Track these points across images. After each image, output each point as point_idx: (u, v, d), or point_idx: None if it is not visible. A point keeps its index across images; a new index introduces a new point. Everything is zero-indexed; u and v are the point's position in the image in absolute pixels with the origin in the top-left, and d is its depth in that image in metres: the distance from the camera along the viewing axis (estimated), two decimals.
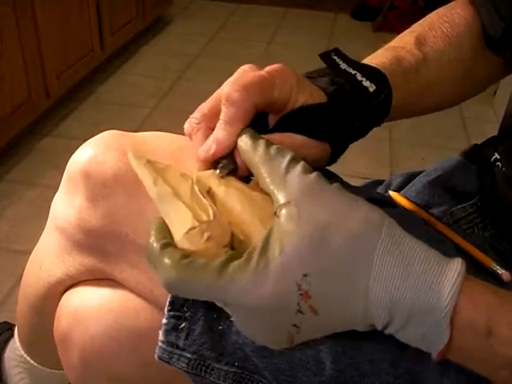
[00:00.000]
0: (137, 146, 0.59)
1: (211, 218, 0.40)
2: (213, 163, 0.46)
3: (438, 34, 0.65)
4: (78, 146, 0.62)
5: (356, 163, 1.76)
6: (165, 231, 0.40)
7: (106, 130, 0.63)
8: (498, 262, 0.55)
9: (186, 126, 0.49)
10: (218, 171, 0.45)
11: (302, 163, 0.41)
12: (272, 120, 0.50)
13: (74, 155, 0.61)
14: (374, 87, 0.54)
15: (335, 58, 0.55)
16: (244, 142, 0.44)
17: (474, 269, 0.54)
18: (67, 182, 0.61)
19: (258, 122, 0.47)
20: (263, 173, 0.41)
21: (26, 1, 1.72)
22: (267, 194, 0.42)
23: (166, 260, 0.38)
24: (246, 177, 0.46)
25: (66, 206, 0.60)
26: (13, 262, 1.39)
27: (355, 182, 0.62)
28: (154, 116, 2.14)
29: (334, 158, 0.54)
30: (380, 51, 0.62)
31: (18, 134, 1.83)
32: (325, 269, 0.37)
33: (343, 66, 0.54)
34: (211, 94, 0.50)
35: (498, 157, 0.64)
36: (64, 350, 0.62)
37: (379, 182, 0.75)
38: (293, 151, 0.42)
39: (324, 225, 0.38)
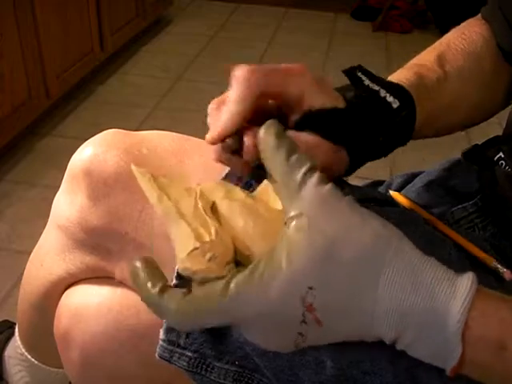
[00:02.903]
0: (138, 144, 0.59)
1: (213, 237, 0.40)
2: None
3: (457, 51, 0.65)
4: (78, 146, 0.62)
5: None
6: (156, 272, 0.40)
7: (105, 130, 0.63)
8: (499, 261, 0.55)
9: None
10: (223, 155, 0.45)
11: (318, 174, 0.40)
12: (291, 122, 0.50)
13: (75, 154, 0.61)
14: (398, 103, 0.54)
15: (359, 74, 0.55)
16: (267, 140, 0.41)
17: (476, 268, 0.54)
18: (69, 180, 0.61)
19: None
20: (279, 180, 0.41)
21: (25, 1, 1.72)
22: (274, 205, 0.42)
23: (169, 305, 0.38)
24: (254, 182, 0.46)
25: (68, 204, 0.61)
26: (13, 262, 1.39)
27: (355, 182, 0.62)
28: (153, 116, 2.14)
29: (351, 169, 0.54)
30: (401, 70, 0.62)
31: (18, 134, 1.83)
32: (331, 282, 0.37)
33: (367, 82, 0.54)
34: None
35: (503, 155, 0.64)
36: (64, 348, 0.62)
37: (379, 183, 0.75)
38: (312, 158, 0.41)
39: (333, 238, 0.37)
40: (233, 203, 0.43)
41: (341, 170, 0.54)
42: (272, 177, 0.42)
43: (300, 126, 0.50)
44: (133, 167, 0.45)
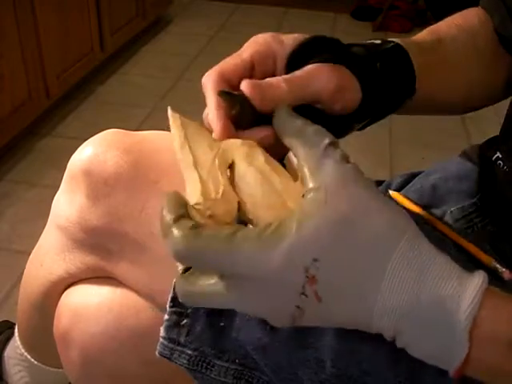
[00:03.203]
0: (138, 144, 0.59)
1: (219, 196, 0.41)
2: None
3: (450, 25, 0.64)
4: (78, 146, 0.62)
5: (356, 163, 1.75)
6: (178, 203, 0.40)
7: (105, 130, 0.63)
8: (498, 260, 0.55)
9: None
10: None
11: (340, 150, 0.40)
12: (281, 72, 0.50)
13: (75, 154, 0.62)
14: (380, 40, 0.53)
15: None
16: (279, 116, 0.43)
17: (475, 268, 0.54)
18: (68, 180, 0.61)
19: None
20: (300, 154, 0.40)
21: (25, 1, 1.72)
22: (292, 178, 0.42)
23: (176, 231, 0.38)
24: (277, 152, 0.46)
25: (67, 204, 0.61)
26: (13, 262, 1.39)
27: None
28: (153, 116, 2.14)
29: (365, 105, 0.50)
30: None
31: (18, 134, 1.83)
32: (336, 259, 0.36)
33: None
34: None
35: (500, 155, 0.64)
36: (64, 348, 0.63)
37: (379, 183, 0.75)
38: (331, 135, 0.41)
39: (347, 216, 0.37)
40: (249, 168, 0.43)
41: (354, 96, 0.49)
42: (292, 153, 0.42)
43: (291, 66, 0.49)
44: (169, 110, 0.46)
